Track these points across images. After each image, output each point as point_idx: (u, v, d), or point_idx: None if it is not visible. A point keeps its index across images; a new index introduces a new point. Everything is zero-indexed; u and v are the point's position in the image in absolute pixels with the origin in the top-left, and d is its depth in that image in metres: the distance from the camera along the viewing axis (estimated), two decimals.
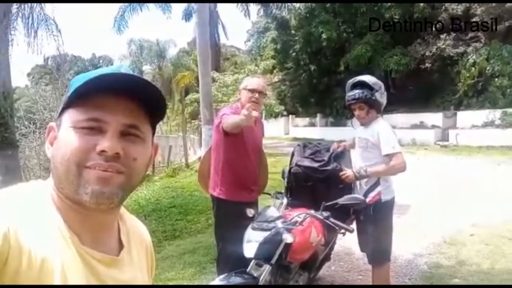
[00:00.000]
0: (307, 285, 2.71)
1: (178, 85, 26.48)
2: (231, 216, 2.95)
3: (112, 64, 45.96)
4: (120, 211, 0.82)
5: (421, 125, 17.87)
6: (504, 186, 7.43)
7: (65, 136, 0.69)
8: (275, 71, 28.02)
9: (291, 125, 27.40)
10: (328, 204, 2.64)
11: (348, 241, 3.85)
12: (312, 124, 25.14)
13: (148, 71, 37.09)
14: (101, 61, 46.93)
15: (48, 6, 10.64)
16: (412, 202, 6.28)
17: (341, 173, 2.95)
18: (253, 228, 2.57)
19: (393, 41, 19.86)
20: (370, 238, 2.96)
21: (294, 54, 24.11)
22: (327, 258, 3.44)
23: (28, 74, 39.10)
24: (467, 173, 9.21)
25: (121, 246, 0.79)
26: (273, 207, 2.82)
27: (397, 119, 18.73)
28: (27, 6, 9.73)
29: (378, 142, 2.87)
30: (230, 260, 2.81)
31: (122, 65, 0.79)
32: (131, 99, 0.71)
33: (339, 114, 21.83)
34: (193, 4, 20.49)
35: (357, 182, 3.00)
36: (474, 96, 16.60)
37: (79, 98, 0.69)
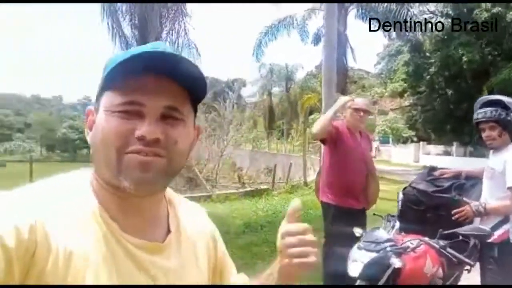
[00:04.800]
0: (307, 285, 2.56)
1: (303, 106, 27.10)
2: (337, 221, 3.17)
3: (245, 86, 49.42)
4: (170, 196, 0.80)
5: None
6: None
7: (103, 121, 0.66)
8: (405, 95, 26.63)
9: (421, 152, 25.45)
10: (446, 232, 2.44)
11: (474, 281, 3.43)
12: (447, 153, 22.98)
13: (276, 93, 38.88)
14: (235, 83, 50.77)
15: (191, 32, 12.16)
16: None
17: (456, 210, 2.66)
18: (359, 248, 2.53)
19: None
20: (493, 284, 2.60)
21: (428, 77, 22.58)
22: None
23: None
24: None
25: (169, 232, 0.75)
26: (382, 229, 2.72)
27: None
28: (174, 32, 11.30)
29: (504, 172, 2.53)
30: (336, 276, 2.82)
31: (159, 43, 0.74)
32: (169, 79, 0.67)
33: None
34: (322, 28, 20.97)
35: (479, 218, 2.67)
36: None
37: (115, 79, 0.66)
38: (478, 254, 2.73)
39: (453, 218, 2.66)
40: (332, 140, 3.25)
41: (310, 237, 0.75)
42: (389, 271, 2.33)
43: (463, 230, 2.41)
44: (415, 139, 24.63)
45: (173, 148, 0.67)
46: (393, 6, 19.59)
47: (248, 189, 11.09)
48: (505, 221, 2.58)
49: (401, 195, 3.05)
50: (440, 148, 24.01)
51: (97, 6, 10.53)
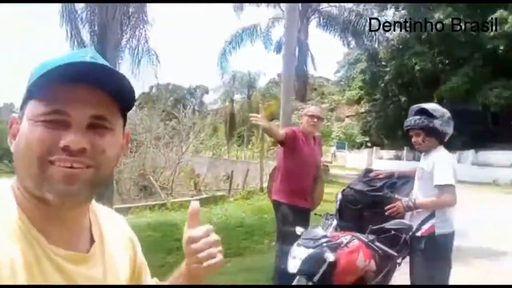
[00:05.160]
0: (310, 285, 2.64)
1: (264, 113, 27.33)
2: (286, 218, 3.43)
3: (207, 93, 49.23)
4: (91, 204, 0.79)
5: None
6: None
7: (27, 130, 0.64)
8: (362, 102, 27.48)
9: (374, 157, 26.30)
10: (374, 228, 2.62)
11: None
12: (398, 158, 23.86)
13: (238, 100, 38.97)
14: (197, 90, 50.45)
15: (152, 38, 12.09)
16: (503, 248, 5.68)
17: (388, 206, 2.84)
18: (298, 245, 2.64)
19: (494, 73, 18.31)
20: (420, 274, 2.78)
21: (383, 85, 23.51)
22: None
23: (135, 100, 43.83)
24: None
25: (93, 241, 0.75)
26: (320, 227, 2.86)
27: (494, 156, 16.98)
28: (135, 39, 11.17)
29: (433, 172, 2.74)
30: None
31: (87, 50, 0.72)
32: (97, 88, 0.66)
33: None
34: (283, 36, 21.45)
35: (410, 213, 2.86)
36: None
37: (40, 88, 0.64)
38: (408, 248, 2.90)
39: (386, 213, 2.82)
40: (290, 144, 3.50)
41: (213, 237, 0.77)
42: (324, 266, 2.45)
43: (389, 224, 2.59)
44: (369, 144, 25.45)
45: (100, 158, 0.66)
46: (353, 17, 20.34)
47: (204, 196, 10.92)
48: (432, 216, 2.76)
49: (340, 196, 3.23)
50: (392, 153, 24.90)
51: (56, 12, 10.19)
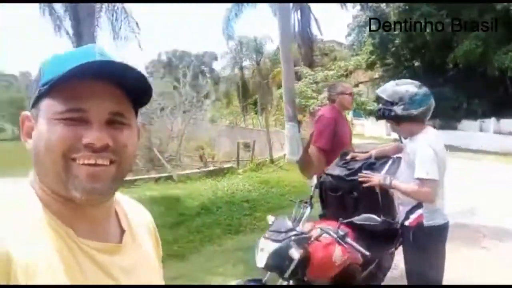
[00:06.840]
0: (306, 285, 2.52)
1: (274, 80, 26.92)
2: None
3: (216, 59, 48.39)
4: (115, 196, 0.79)
5: None
6: None
7: (47, 127, 0.65)
8: (375, 67, 26.40)
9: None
10: (345, 221, 2.43)
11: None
12: None
13: (248, 66, 38.34)
14: (205, 56, 49.68)
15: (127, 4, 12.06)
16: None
17: (363, 173, 2.66)
18: (265, 237, 2.45)
19: (509, 35, 17.26)
20: (412, 265, 2.59)
21: (393, 49, 22.56)
22: (374, 279, 2.98)
23: (146, 67, 43.74)
24: None
25: (122, 231, 0.76)
26: (286, 218, 2.62)
27: None
28: (110, 5, 11.17)
29: (414, 161, 2.46)
30: None
31: (95, 46, 0.72)
32: (113, 85, 0.67)
33: (449, 115, 18.23)
34: None
35: (398, 200, 2.67)
36: None
37: (58, 87, 0.64)
38: (399, 237, 2.72)
39: (359, 179, 2.67)
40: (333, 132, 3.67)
41: None
42: (293, 264, 2.28)
43: (357, 219, 2.38)
44: None
45: (123, 152, 0.68)
46: None
47: (211, 168, 10.74)
48: (419, 206, 2.52)
49: (315, 181, 2.98)
50: None
51: None
